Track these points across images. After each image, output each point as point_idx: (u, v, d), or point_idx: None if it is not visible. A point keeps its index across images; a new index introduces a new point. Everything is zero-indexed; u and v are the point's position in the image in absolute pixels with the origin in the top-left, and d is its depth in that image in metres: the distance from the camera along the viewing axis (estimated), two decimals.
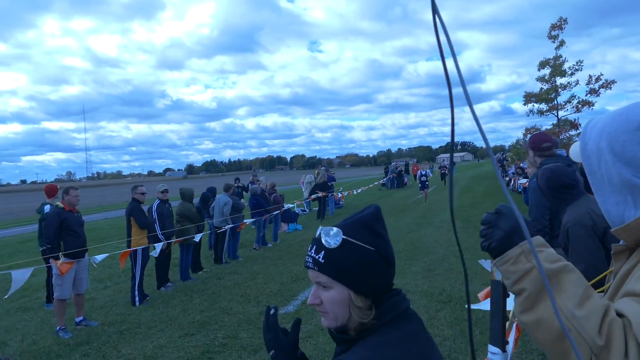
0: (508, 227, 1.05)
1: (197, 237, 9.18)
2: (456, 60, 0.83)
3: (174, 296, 7.94)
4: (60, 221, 6.37)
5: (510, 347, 1.75)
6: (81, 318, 6.71)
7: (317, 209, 18.53)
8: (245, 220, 11.38)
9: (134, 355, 5.40)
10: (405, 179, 35.28)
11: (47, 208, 8.19)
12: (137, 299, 7.58)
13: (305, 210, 19.39)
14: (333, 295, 1.16)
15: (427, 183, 22.72)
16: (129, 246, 7.83)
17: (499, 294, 1.11)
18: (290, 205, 15.78)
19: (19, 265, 8.15)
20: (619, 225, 1.09)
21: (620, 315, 0.95)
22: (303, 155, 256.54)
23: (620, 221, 1.09)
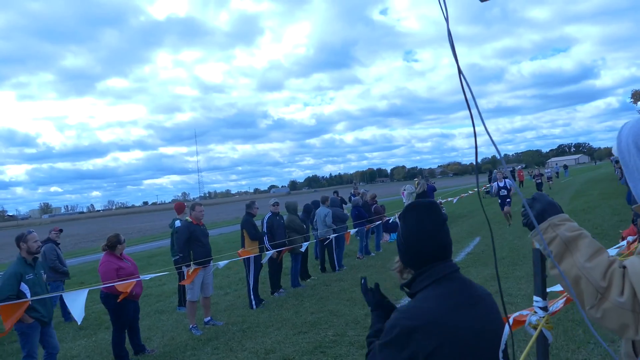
0: (540, 208, 1.44)
1: (304, 247, 9.90)
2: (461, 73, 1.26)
3: (287, 300, 8.67)
4: (189, 233, 7.35)
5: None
6: (209, 318, 7.63)
7: None
8: (349, 231, 11.95)
9: (256, 349, 6.12)
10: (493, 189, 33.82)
11: (177, 223, 9.39)
12: (253, 302, 8.41)
13: None
14: None
15: (508, 199, 15.46)
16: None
17: (538, 258, 1.50)
18: (392, 217, 16.13)
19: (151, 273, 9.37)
20: None
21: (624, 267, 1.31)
22: (403, 167, 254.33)
23: None
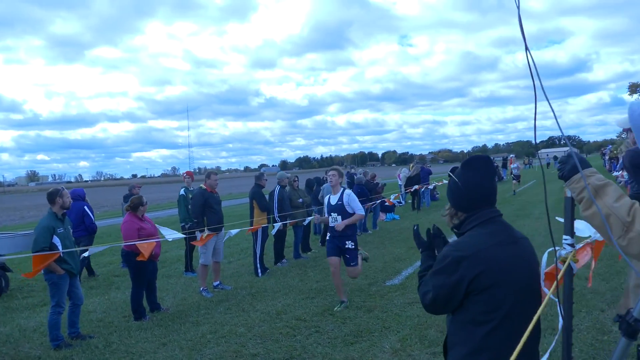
0: (574, 162, 1.79)
1: (307, 221, 10.27)
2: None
3: (290, 270, 9.05)
4: (203, 200, 7.66)
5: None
6: (218, 282, 7.99)
7: (412, 201, 19.21)
8: None
9: (267, 310, 6.50)
10: (503, 174, 34.55)
11: (182, 191, 9.69)
12: (259, 270, 8.77)
13: (401, 202, 20.02)
14: None
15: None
16: (251, 226, 9.06)
17: (569, 204, 1.85)
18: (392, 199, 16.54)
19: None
20: None
21: None
22: (394, 151, 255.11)
23: None
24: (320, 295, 7.07)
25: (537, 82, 1.60)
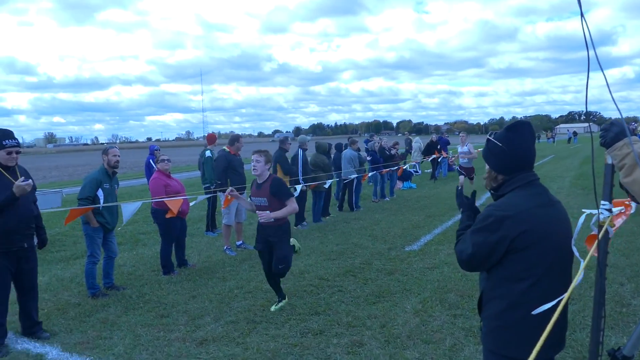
0: (617, 130, 1.89)
1: (327, 184, 10.43)
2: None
3: (310, 233, 9.27)
4: (227, 162, 7.85)
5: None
6: (241, 242, 8.24)
7: (429, 170, 19.31)
8: (367, 173, 12.46)
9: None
10: None
11: (207, 153, 9.86)
12: None
13: (417, 172, 20.08)
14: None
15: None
16: None
17: (609, 171, 1.96)
18: (404, 166, 16.63)
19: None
20: None
21: None
22: (410, 121, 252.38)
23: None
24: (340, 258, 7.28)
25: (591, 53, 1.68)
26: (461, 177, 9.39)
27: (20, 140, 4.75)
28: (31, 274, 4.69)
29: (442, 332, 4.49)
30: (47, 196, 9.37)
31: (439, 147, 18.90)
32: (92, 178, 5.79)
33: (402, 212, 11.15)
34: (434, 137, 19.79)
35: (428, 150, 18.78)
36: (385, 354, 4.09)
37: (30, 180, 4.41)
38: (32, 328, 4.70)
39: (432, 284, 5.87)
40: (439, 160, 18.49)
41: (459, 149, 13.81)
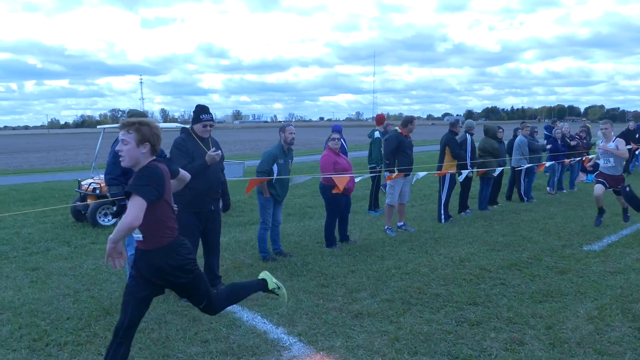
0: None
1: (497, 172, 9.81)
2: None
3: (475, 221, 8.87)
4: (397, 143, 7.87)
5: None
6: (402, 223, 8.25)
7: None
8: (544, 162, 11.41)
9: (451, 256, 6.56)
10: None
11: (376, 134, 10.01)
12: (442, 216, 8.79)
13: None
14: None
15: None
16: (439, 170, 9.03)
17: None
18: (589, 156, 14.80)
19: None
20: None
21: None
22: (602, 106, 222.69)
23: None
24: (506, 249, 6.85)
25: None
26: None
27: (214, 117, 5.42)
28: (215, 233, 5.37)
29: (621, 344, 3.96)
30: (232, 167, 10.49)
31: (637, 136, 16.39)
32: (270, 153, 6.33)
33: (582, 208, 10.01)
34: (631, 124, 17.19)
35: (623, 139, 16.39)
36: (548, 357, 3.77)
37: (219, 151, 5.01)
38: (213, 281, 5.37)
39: (613, 290, 5.19)
40: (635, 152, 16.05)
41: None
